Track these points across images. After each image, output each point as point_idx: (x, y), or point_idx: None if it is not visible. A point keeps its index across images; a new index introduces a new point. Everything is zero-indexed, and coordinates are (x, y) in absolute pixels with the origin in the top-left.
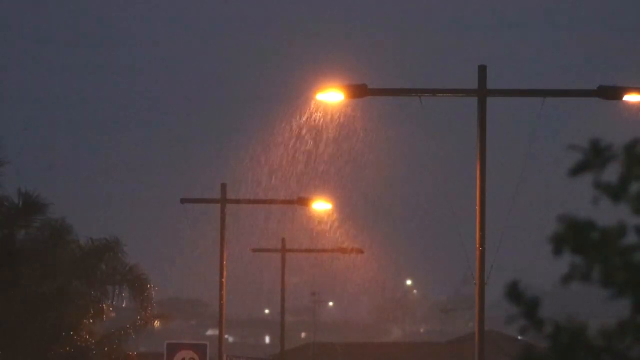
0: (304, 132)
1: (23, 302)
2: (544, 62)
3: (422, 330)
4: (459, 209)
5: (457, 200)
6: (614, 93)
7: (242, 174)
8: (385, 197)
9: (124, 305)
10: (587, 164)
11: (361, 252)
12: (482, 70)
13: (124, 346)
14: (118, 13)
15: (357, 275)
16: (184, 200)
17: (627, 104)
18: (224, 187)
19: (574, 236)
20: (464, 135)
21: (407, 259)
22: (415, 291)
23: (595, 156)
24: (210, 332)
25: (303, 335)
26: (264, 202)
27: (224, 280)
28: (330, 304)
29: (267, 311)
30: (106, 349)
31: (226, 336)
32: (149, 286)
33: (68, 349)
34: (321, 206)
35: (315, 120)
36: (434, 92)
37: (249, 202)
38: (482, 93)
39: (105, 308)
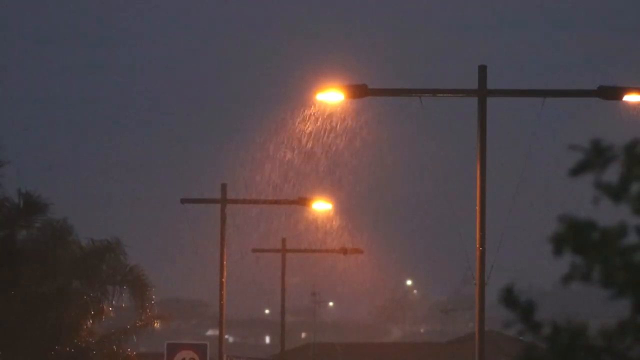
0: (303, 132)
1: (23, 302)
2: (544, 62)
3: (422, 330)
4: (459, 209)
5: (457, 200)
6: (614, 93)
7: (242, 173)
8: (386, 197)
9: (123, 305)
10: (588, 163)
11: (361, 252)
12: (482, 70)
13: (124, 346)
14: (118, 13)
15: (357, 275)
16: (184, 200)
17: (627, 104)
18: (224, 187)
19: (574, 236)
20: (464, 135)
21: (407, 259)
22: (415, 291)
23: (596, 156)
24: (210, 332)
25: (303, 335)
26: (264, 202)
27: (224, 280)
28: (330, 304)
29: (267, 311)
30: (105, 351)
31: (226, 336)
32: (148, 287)
33: (68, 349)
34: (321, 206)
35: (315, 120)
36: (434, 92)
37: (249, 202)
38: (482, 93)
39: (105, 308)
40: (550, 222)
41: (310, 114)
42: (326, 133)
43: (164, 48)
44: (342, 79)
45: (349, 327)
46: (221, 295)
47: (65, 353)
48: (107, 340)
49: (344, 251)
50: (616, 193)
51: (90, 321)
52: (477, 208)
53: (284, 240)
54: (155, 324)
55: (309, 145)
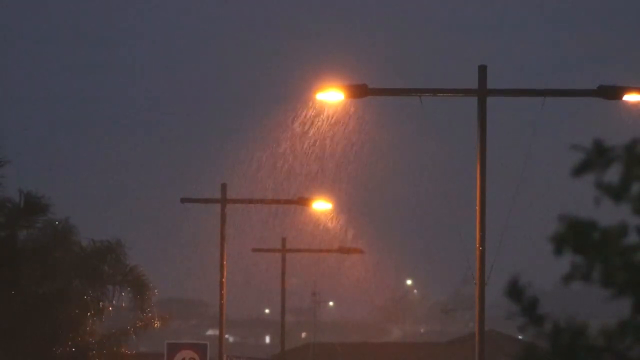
0: (304, 131)
1: (23, 302)
2: (544, 62)
3: (422, 330)
4: (459, 209)
5: (457, 200)
6: (613, 92)
7: (242, 173)
8: (385, 197)
9: (123, 305)
10: (590, 164)
11: (361, 252)
12: (482, 70)
13: (124, 346)
14: (118, 13)
15: (357, 275)
16: (184, 200)
17: (627, 103)
18: (224, 186)
19: (575, 236)
20: (464, 135)
21: (407, 259)
22: (415, 291)
23: (597, 156)
24: (210, 332)
25: (303, 335)
26: (264, 201)
27: (224, 280)
28: (330, 304)
29: (267, 311)
30: (105, 351)
31: (226, 336)
32: (148, 286)
33: (68, 349)
34: (321, 206)
35: (315, 120)
36: (434, 92)
37: (249, 201)
38: (482, 93)
39: (105, 307)
40: (551, 222)
41: (310, 114)
42: (326, 133)
43: (164, 48)
44: (342, 79)
45: (349, 327)
46: (221, 295)
47: (65, 353)
48: (107, 340)
49: (344, 251)
50: (617, 193)
51: (91, 321)
52: (477, 208)
53: (284, 240)
54: (156, 324)
55: (309, 145)
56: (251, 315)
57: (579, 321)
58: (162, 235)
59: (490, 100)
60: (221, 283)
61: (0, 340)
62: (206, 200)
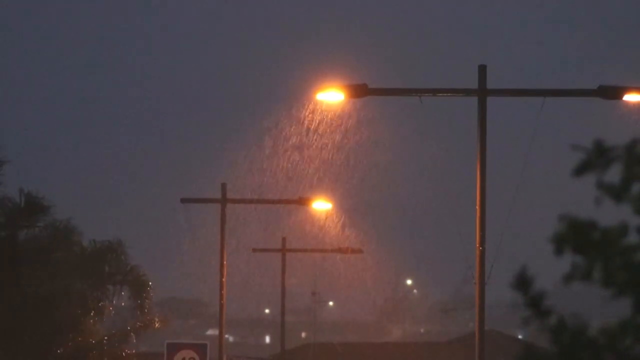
0: (304, 131)
1: (23, 302)
2: (544, 62)
3: (422, 330)
4: (459, 209)
5: (457, 200)
6: (613, 92)
7: (242, 173)
8: (385, 197)
9: (123, 304)
10: (590, 164)
11: (361, 251)
12: (482, 70)
13: (124, 346)
14: (118, 13)
15: (357, 275)
16: (184, 200)
17: (627, 103)
18: (224, 186)
19: (575, 236)
20: (464, 135)
21: (407, 259)
22: (415, 291)
23: (598, 156)
24: (210, 332)
25: (303, 335)
26: (264, 201)
27: (224, 279)
28: (330, 303)
29: (267, 311)
30: (105, 351)
31: (226, 336)
32: (148, 286)
33: (68, 349)
34: (321, 206)
35: (315, 120)
36: (434, 91)
37: (249, 201)
38: (482, 93)
39: (105, 307)
40: (551, 221)
41: (310, 114)
42: (326, 133)
43: (164, 48)
44: (342, 79)
45: (349, 327)
46: (221, 295)
47: (65, 353)
48: (107, 340)
49: (344, 251)
50: (617, 193)
51: (91, 321)
52: (477, 208)
53: (284, 240)
54: (156, 325)
55: (309, 144)
56: (251, 315)
57: (581, 319)
58: (162, 235)
59: (490, 100)
60: (221, 283)
61: (0, 340)
62: (206, 200)
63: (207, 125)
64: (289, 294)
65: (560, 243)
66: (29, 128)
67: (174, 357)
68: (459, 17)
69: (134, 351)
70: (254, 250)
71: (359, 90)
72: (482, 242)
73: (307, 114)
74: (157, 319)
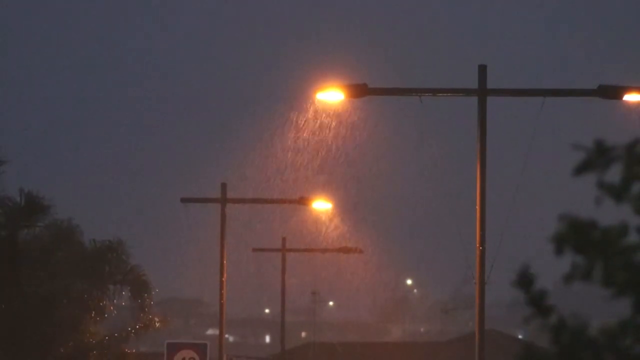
0: (304, 131)
1: (23, 302)
2: (544, 62)
3: (422, 330)
4: (459, 209)
5: (457, 200)
6: (613, 92)
7: (242, 173)
8: (385, 197)
9: (123, 304)
10: (591, 163)
11: (361, 251)
12: (482, 70)
13: (124, 346)
14: (118, 13)
15: (358, 275)
16: (184, 200)
17: (627, 103)
18: (224, 186)
19: (575, 235)
20: (464, 135)
21: (407, 259)
22: (415, 291)
23: (598, 156)
24: (210, 332)
25: (303, 335)
26: (265, 201)
27: (224, 279)
28: (330, 303)
29: (267, 311)
30: (105, 351)
31: (226, 335)
32: (149, 286)
33: (68, 349)
34: (321, 206)
35: (315, 120)
36: (434, 91)
37: (249, 201)
38: (482, 93)
39: (105, 307)
40: (551, 221)
41: (311, 114)
42: (326, 133)
43: (165, 48)
44: (342, 79)
45: (349, 327)
46: (221, 295)
47: (66, 353)
48: (107, 341)
49: (344, 251)
50: (618, 193)
51: (91, 321)
52: (477, 208)
53: (284, 240)
54: (156, 325)
55: (310, 144)
56: (251, 315)
57: (581, 319)
58: (162, 235)
59: (490, 100)
60: (221, 283)
61: (1, 340)
62: (206, 200)
63: (207, 125)
64: (289, 294)
65: (560, 243)
66: (29, 128)
67: (174, 357)
68: (459, 17)
69: (134, 351)
70: (254, 250)
71: (358, 90)
72: (482, 242)
73: (307, 114)
74: (157, 319)
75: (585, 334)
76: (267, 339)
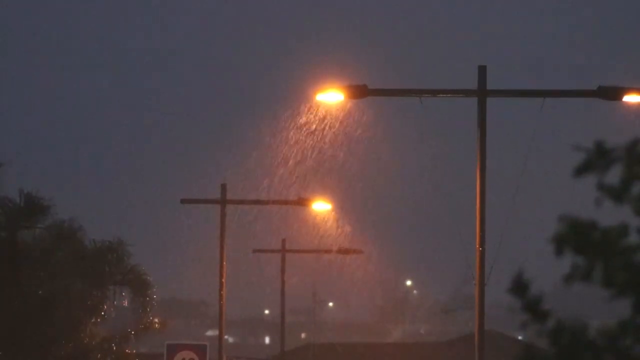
0: (304, 132)
1: (23, 302)
2: (544, 62)
3: (422, 330)
4: (459, 209)
5: (457, 201)
6: (613, 93)
7: (242, 173)
8: (385, 197)
9: (124, 304)
10: (591, 164)
11: (361, 252)
12: (482, 70)
13: (124, 346)
14: (118, 13)
15: (357, 275)
16: (183, 201)
17: (626, 104)
18: (224, 187)
19: (575, 236)
20: (464, 135)
21: (407, 259)
22: (415, 291)
23: (599, 157)
24: (210, 332)
25: (303, 335)
26: (264, 202)
27: (224, 280)
28: (330, 304)
29: (267, 311)
30: (105, 351)
31: (226, 336)
32: (149, 286)
33: (68, 349)
34: (321, 206)
35: (315, 121)
36: (434, 92)
37: (249, 202)
38: (482, 93)
39: (105, 307)
40: (551, 222)
41: (310, 114)
42: (326, 133)
43: (165, 48)
44: (342, 79)
45: (349, 327)
46: (221, 295)
47: (66, 353)
48: (108, 341)
49: (344, 251)
50: (618, 194)
51: (92, 321)
52: (477, 208)
53: (283, 241)
54: (157, 325)
55: (309, 145)
56: (251, 315)
57: (581, 320)
58: (162, 235)
59: (490, 101)
60: (221, 283)
61: (1, 340)
62: (206, 201)
63: (207, 125)
64: (289, 295)
65: (560, 243)
66: (29, 128)
67: (173, 358)
68: (459, 17)
69: (134, 351)
70: (254, 251)
71: (358, 91)
72: (482, 242)
73: (306, 114)
74: (157, 321)
75: (585, 335)
76: (267, 339)
